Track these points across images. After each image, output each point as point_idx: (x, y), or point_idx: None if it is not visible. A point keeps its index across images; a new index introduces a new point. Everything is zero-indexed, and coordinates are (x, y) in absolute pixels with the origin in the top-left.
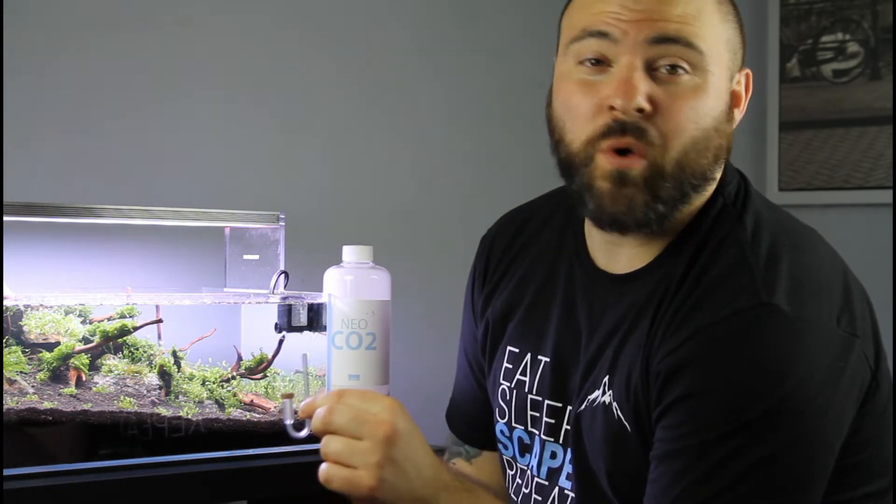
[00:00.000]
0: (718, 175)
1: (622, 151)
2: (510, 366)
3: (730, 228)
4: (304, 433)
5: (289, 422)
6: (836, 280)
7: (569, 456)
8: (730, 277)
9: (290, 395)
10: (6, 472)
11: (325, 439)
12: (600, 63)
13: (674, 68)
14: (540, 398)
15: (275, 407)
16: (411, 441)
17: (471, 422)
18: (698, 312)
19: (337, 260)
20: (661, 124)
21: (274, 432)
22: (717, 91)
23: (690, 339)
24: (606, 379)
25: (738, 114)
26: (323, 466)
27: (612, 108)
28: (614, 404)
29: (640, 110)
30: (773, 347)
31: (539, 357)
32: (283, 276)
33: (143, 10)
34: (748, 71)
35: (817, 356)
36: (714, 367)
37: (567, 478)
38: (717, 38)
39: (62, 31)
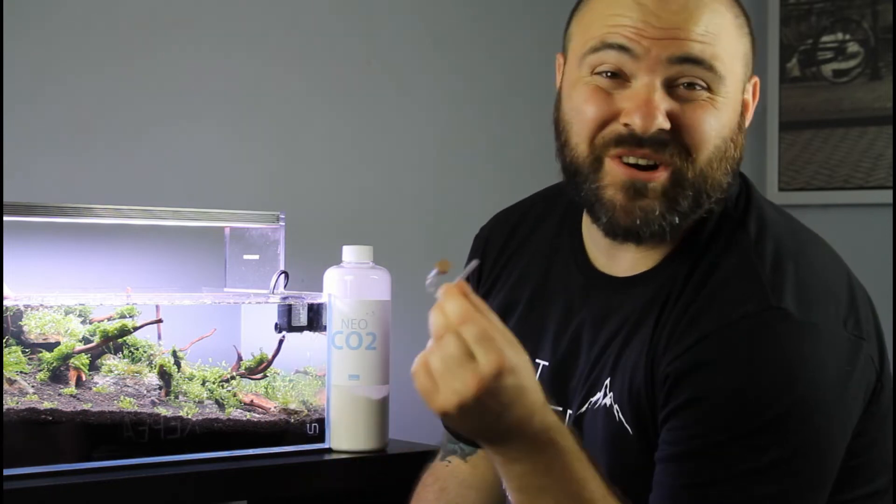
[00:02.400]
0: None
1: (641, 167)
2: None
3: (732, 233)
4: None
5: (429, 281)
6: (841, 283)
7: None
8: (737, 281)
9: (444, 271)
10: (6, 472)
11: (432, 346)
12: (617, 76)
13: (691, 85)
14: None
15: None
16: (499, 400)
17: None
18: (706, 316)
19: (337, 260)
20: (682, 139)
21: (274, 432)
22: (733, 105)
23: (699, 342)
24: (608, 381)
25: (746, 121)
26: (419, 364)
27: (626, 124)
28: (615, 407)
29: (661, 130)
30: (782, 352)
31: (537, 361)
32: (283, 276)
33: (143, 10)
34: (756, 79)
35: (826, 360)
36: (724, 370)
37: None
38: (735, 56)
39: (62, 31)
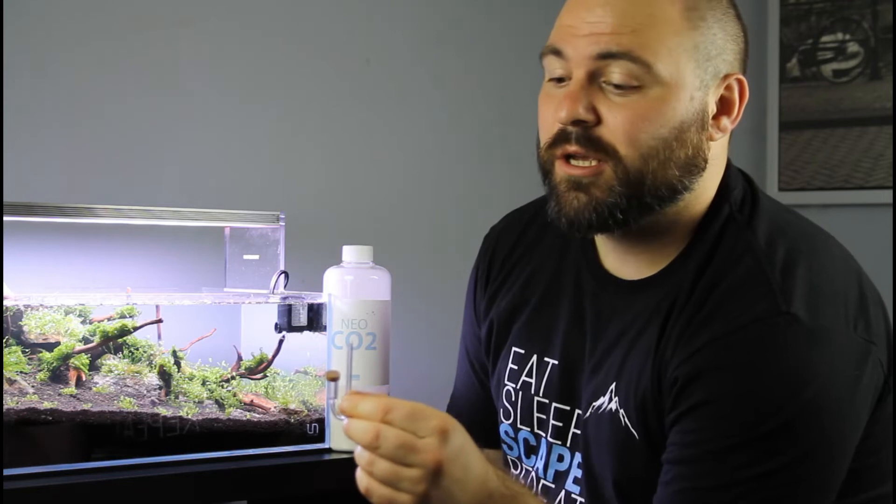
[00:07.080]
0: (695, 185)
1: (573, 157)
2: (515, 367)
3: (740, 236)
4: (345, 421)
5: (334, 399)
6: (851, 285)
7: (577, 460)
8: (746, 286)
9: (335, 378)
10: (6, 472)
11: (369, 457)
12: (562, 80)
13: (620, 86)
14: (547, 400)
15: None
16: (459, 463)
17: (471, 420)
18: (715, 320)
19: (337, 260)
20: (607, 134)
21: (274, 432)
22: (678, 101)
23: (708, 345)
24: (613, 385)
25: (729, 121)
26: (363, 478)
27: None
28: (621, 411)
29: (578, 122)
30: (792, 357)
31: (546, 359)
32: (283, 276)
33: (143, 9)
34: (739, 76)
35: (836, 365)
36: (733, 374)
37: (574, 482)
38: (678, 48)
39: (62, 31)
